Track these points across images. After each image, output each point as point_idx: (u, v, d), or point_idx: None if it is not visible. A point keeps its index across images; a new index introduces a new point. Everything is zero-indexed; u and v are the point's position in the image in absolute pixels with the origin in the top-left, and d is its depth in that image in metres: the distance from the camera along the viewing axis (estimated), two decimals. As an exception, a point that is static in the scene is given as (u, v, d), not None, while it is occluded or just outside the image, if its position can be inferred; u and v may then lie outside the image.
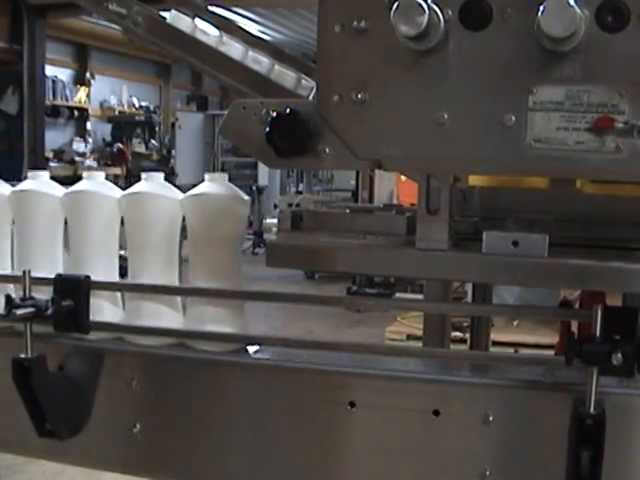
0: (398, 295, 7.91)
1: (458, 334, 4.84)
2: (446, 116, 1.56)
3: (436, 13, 1.52)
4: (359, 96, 1.61)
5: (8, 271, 2.22)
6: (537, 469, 1.88)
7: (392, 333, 7.10)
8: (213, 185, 2.06)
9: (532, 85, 1.54)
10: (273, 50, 2.67)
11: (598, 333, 1.70)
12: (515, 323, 5.76)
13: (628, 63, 1.51)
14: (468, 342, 2.78)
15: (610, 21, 1.51)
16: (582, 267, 1.69)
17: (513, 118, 1.54)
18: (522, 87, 1.54)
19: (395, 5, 1.51)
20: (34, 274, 1.98)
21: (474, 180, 1.97)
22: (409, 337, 6.80)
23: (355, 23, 1.61)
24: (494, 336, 5.47)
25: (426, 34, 1.52)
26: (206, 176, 2.08)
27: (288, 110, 1.69)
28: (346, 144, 1.64)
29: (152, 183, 2.10)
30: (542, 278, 1.71)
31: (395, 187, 11.50)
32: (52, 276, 2.03)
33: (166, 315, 2.11)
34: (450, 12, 1.55)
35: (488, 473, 1.87)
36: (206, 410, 2.01)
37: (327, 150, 1.68)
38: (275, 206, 14.08)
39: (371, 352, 2.03)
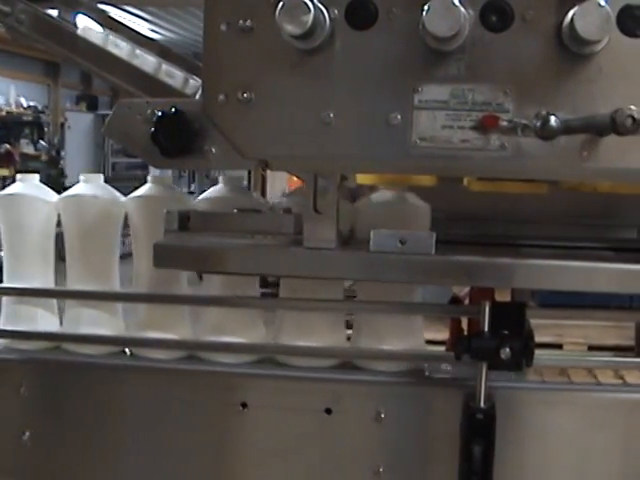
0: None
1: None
2: (332, 115, 1.56)
3: (321, 12, 1.52)
4: (245, 95, 1.59)
5: None
6: (430, 464, 1.90)
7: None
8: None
9: (417, 84, 1.55)
10: (160, 49, 2.63)
11: (486, 328, 1.72)
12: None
13: (512, 62, 1.53)
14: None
15: (494, 21, 1.53)
16: (469, 263, 1.70)
17: (399, 117, 1.55)
18: (407, 86, 1.55)
19: (280, 4, 1.50)
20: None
21: (362, 179, 1.97)
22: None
23: (241, 22, 1.60)
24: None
25: (311, 33, 1.52)
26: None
27: (173, 110, 1.67)
28: (232, 144, 1.62)
29: (27, 185, 2.07)
30: (429, 275, 1.72)
31: (287, 186, 11.48)
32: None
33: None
34: (336, 11, 1.55)
35: (381, 470, 1.88)
36: (98, 415, 1.98)
37: (213, 150, 1.67)
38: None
39: (264, 352, 2.02)
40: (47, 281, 2.11)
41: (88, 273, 2.07)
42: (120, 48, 2.57)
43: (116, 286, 2.12)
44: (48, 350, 2.08)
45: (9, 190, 2.07)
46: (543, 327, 3.63)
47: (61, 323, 2.13)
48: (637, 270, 1.71)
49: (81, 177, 2.06)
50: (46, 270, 2.11)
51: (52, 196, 2.09)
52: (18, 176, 2.08)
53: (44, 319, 2.10)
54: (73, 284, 2.08)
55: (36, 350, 2.07)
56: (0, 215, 2.08)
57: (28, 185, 2.07)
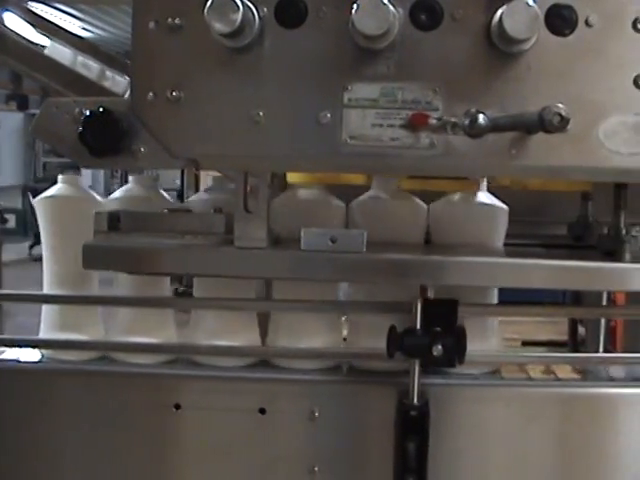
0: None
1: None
2: (262, 114, 1.55)
3: (251, 10, 1.51)
4: (174, 94, 1.58)
5: None
6: (366, 462, 1.91)
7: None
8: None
9: (347, 82, 1.55)
10: (89, 47, 2.60)
11: (419, 326, 1.73)
12: (344, 319, 5.78)
13: (441, 61, 1.54)
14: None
15: (424, 20, 1.53)
16: (400, 261, 1.71)
17: (328, 115, 1.54)
18: (337, 84, 1.55)
19: (209, 2, 1.48)
20: None
21: (292, 178, 1.97)
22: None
23: (170, 20, 1.58)
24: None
25: (240, 31, 1.51)
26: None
27: (101, 109, 1.65)
28: (161, 143, 1.61)
29: (69, 186, 2.05)
30: (361, 273, 1.73)
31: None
32: None
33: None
34: (265, 9, 1.54)
35: (316, 469, 1.88)
36: (30, 417, 1.95)
37: (142, 149, 1.65)
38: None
39: (197, 353, 2.01)
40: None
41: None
42: (45, 45, 2.52)
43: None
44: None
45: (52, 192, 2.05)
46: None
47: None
48: (568, 266, 1.74)
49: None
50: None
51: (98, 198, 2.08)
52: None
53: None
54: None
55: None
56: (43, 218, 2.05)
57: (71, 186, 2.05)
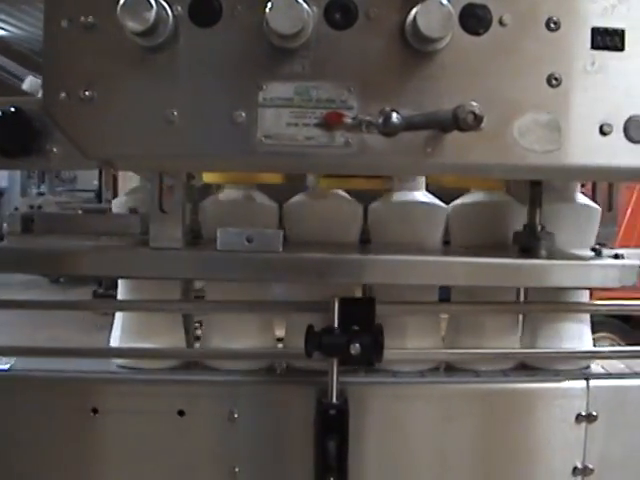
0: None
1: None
2: (176, 113, 1.54)
3: (164, 9, 1.49)
4: (87, 94, 1.55)
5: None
6: (287, 462, 1.90)
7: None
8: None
9: (262, 81, 1.53)
10: (1, 45, 2.56)
11: (336, 324, 1.73)
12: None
13: (356, 60, 1.54)
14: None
15: (338, 18, 1.53)
16: (317, 260, 1.71)
17: (243, 114, 1.53)
18: (252, 84, 1.54)
19: (122, 0, 1.46)
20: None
21: (208, 178, 1.95)
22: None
23: (83, 18, 1.55)
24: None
25: (154, 30, 1.49)
26: None
27: (12, 109, 1.62)
28: (74, 143, 1.58)
29: None
30: (278, 273, 1.73)
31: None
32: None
33: None
34: (179, 8, 1.53)
35: (237, 470, 1.87)
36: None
37: (55, 150, 1.62)
38: (16, 209, 13.60)
39: (113, 356, 1.99)
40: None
41: None
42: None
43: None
44: None
45: None
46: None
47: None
48: (485, 263, 1.77)
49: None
50: None
51: None
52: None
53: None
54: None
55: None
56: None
57: None
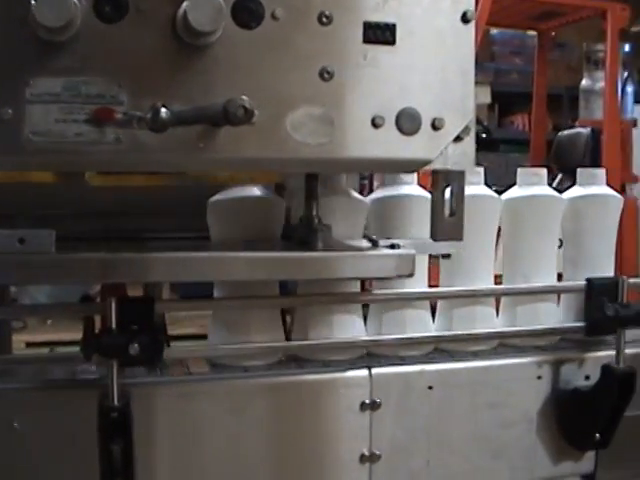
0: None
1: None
2: None
3: None
4: None
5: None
6: (74, 469, 1.85)
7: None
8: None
9: (29, 77, 1.48)
10: None
11: (114, 325, 1.70)
12: (49, 322, 5.59)
13: (126, 54, 1.51)
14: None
15: (108, 11, 1.49)
16: (93, 260, 1.68)
17: (10, 111, 1.47)
18: (19, 79, 1.48)
19: None
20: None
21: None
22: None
23: None
24: (29, 337, 5.32)
25: None
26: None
27: None
28: None
29: None
30: (51, 274, 1.68)
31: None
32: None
33: None
34: None
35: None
36: None
37: None
38: None
39: None
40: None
41: None
42: None
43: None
44: None
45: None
46: (188, 319, 3.67)
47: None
48: (263, 257, 1.77)
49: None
50: None
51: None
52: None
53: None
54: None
55: None
56: None
57: None
